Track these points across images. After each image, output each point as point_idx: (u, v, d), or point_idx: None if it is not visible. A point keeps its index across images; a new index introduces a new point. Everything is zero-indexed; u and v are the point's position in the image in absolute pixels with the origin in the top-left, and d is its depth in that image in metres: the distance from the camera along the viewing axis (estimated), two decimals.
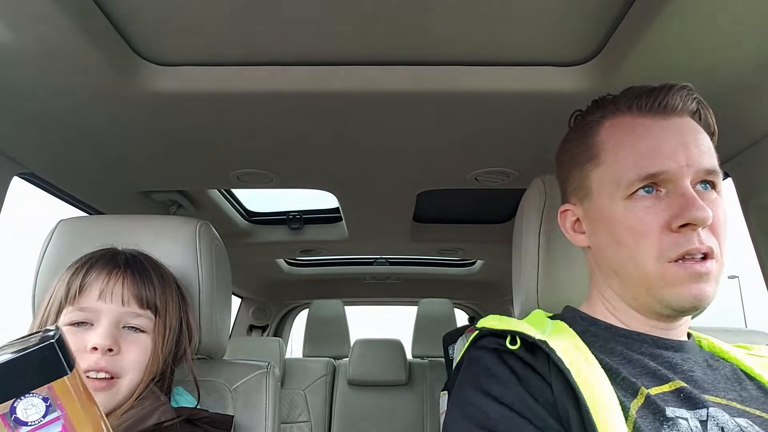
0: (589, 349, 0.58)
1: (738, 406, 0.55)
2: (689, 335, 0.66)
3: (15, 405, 0.40)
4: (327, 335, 2.72)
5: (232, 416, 0.80)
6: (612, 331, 0.62)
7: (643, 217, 0.57)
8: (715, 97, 0.61)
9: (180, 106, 0.89)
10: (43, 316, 0.71)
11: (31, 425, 0.40)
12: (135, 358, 0.70)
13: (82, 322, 0.70)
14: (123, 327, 0.71)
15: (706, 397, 0.55)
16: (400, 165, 1.17)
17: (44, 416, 0.41)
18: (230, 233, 1.75)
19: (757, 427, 0.52)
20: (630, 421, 0.51)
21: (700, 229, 0.55)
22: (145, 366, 0.71)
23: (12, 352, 0.42)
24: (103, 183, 1.23)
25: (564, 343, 0.58)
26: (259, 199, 1.83)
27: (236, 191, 1.69)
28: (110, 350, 0.68)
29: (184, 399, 0.77)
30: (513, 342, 0.58)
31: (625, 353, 0.59)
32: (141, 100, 0.86)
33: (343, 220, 1.65)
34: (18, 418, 0.40)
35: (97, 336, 0.68)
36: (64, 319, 0.70)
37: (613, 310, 0.63)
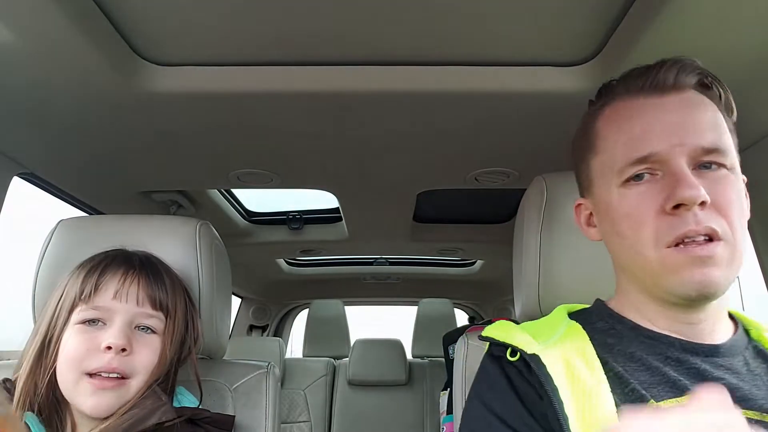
0: (603, 355, 0.56)
1: None
2: (736, 323, 0.61)
3: None
4: (327, 335, 2.72)
5: (233, 416, 0.80)
6: (637, 332, 0.58)
7: (639, 203, 0.55)
8: None
9: (180, 106, 0.89)
10: (54, 313, 0.71)
11: None
12: (146, 358, 0.71)
13: (94, 321, 0.70)
14: (135, 327, 0.72)
15: None
16: (400, 165, 1.17)
17: None
18: (230, 233, 1.75)
19: None
20: None
21: (697, 209, 0.51)
22: (154, 367, 0.71)
23: None
24: (103, 183, 1.23)
25: (568, 351, 0.56)
26: (259, 199, 1.83)
27: (236, 191, 1.69)
28: (123, 350, 0.69)
29: (187, 399, 0.77)
30: (513, 353, 0.58)
31: (644, 359, 0.55)
32: (141, 100, 0.86)
33: (343, 220, 1.65)
34: None
35: (111, 336, 0.68)
36: (76, 317, 0.70)
37: (636, 305, 0.60)
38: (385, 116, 0.93)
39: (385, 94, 0.86)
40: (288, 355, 2.67)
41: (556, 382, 0.52)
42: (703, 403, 0.37)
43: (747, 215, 0.56)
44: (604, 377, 0.53)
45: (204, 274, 0.87)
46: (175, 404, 0.74)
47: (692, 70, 0.57)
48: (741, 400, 0.51)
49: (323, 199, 1.70)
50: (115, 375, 0.68)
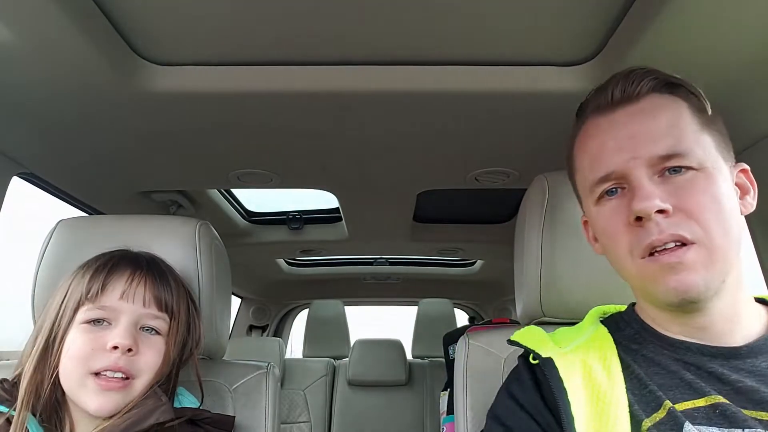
0: (626, 359, 0.58)
1: None
2: None
3: None
4: (327, 335, 2.72)
5: (234, 417, 0.80)
6: (657, 338, 0.59)
7: (610, 218, 0.57)
8: (715, 97, 0.60)
9: (180, 106, 0.89)
10: (58, 313, 0.71)
11: None
12: (151, 359, 0.71)
13: (100, 321, 0.70)
14: (140, 328, 0.72)
15: (751, 413, 0.50)
16: (400, 165, 1.17)
17: None
18: (230, 233, 1.75)
19: None
20: None
21: (660, 218, 0.51)
22: (158, 368, 0.72)
23: None
24: (103, 183, 1.23)
25: (589, 355, 0.59)
26: (259, 199, 1.83)
27: (236, 191, 1.69)
28: (130, 350, 0.69)
29: (187, 399, 0.77)
30: (535, 357, 0.62)
31: (664, 363, 0.56)
32: (141, 100, 0.86)
33: (343, 220, 1.65)
34: None
35: (118, 336, 0.68)
36: (81, 316, 0.70)
37: (649, 313, 0.61)
38: (385, 116, 0.93)
39: (385, 94, 0.86)
40: (288, 356, 2.67)
41: (567, 385, 0.55)
42: None
43: (736, 210, 0.55)
44: (622, 382, 0.55)
45: (204, 274, 0.86)
46: (176, 405, 0.74)
47: (643, 77, 0.57)
48: (758, 402, 0.50)
49: (323, 199, 1.70)
50: (120, 375, 0.68)
